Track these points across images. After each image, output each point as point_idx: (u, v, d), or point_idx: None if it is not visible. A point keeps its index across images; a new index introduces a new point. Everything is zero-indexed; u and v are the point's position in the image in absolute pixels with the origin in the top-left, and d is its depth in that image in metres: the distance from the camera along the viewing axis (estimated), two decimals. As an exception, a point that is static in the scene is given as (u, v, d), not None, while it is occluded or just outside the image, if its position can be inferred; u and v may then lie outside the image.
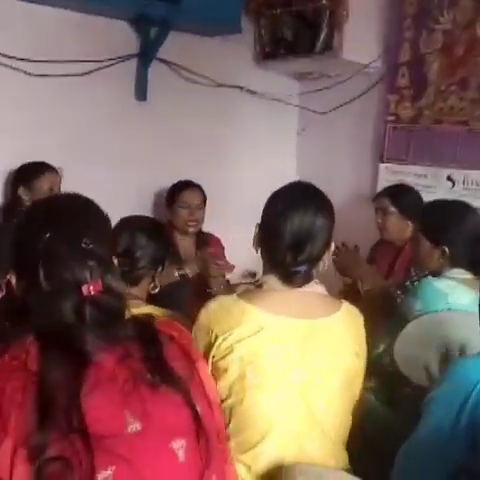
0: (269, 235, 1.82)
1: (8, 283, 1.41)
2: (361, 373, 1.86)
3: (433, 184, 3.74)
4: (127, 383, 1.30)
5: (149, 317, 1.45)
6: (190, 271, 3.18)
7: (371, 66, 3.98)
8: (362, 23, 3.84)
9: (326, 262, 1.85)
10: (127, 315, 1.39)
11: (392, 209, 3.31)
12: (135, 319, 1.40)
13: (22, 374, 1.25)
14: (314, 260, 1.81)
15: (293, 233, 1.77)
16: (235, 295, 1.82)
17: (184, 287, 3.08)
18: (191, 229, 3.56)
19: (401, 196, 3.34)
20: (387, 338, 2.30)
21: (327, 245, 1.83)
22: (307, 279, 1.81)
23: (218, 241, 3.72)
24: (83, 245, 1.33)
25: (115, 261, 1.42)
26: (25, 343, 1.29)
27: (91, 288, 1.30)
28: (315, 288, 1.83)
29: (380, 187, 3.96)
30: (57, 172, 3.22)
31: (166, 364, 1.36)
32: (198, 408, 1.37)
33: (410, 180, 3.83)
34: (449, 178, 3.73)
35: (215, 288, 3.24)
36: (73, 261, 1.32)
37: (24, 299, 1.35)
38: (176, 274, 3.02)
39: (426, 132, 3.83)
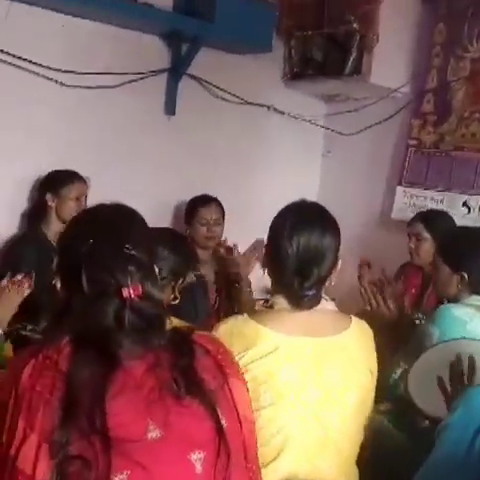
0: (275, 257, 1.80)
1: (53, 287, 1.43)
2: (373, 389, 1.86)
3: (449, 209, 3.73)
4: (153, 392, 1.31)
5: (189, 329, 1.47)
6: (206, 273, 3.21)
7: (398, 91, 4.02)
8: (391, 48, 3.88)
9: (333, 279, 1.84)
10: (168, 325, 1.40)
11: (426, 235, 3.30)
12: (175, 329, 1.42)
13: (52, 373, 1.28)
14: (322, 282, 1.80)
15: (299, 257, 1.75)
16: (246, 316, 1.81)
17: (200, 289, 3.11)
18: (210, 244, 3.58)
19: (435, 222, 3.32)
20: (404, 363, 2.28)
21: (334, 264, 1.82)
22: (315, 301, 1.80)
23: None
24: (125, 250, 1.36)
25: (156, 270, 1.44)
26: (60, 344, 1.32)
27: (131, 292, 1.32)
28: (325, 305, 1.84)
29: (396, 210, 4.00)
30: (85, 182, 3.26)
31: (194, 375, 1.37)
32: (224, 422, 1.37)
33: (426, 204, 3.86)
34: (465, 204, 3.74)
35: (245, 288, 3.25)
36: (115, 265, 1.34)
37: (68, 302, 1.38)
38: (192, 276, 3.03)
39: (446, 157, 3.86)
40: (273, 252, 1.82)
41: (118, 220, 1.45)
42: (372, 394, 1.86)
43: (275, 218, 1.85)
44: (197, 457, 1.33)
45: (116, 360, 1.30)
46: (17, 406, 1.27)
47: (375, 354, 1.87)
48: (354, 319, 1.86)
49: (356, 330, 1.84)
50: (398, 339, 2.00)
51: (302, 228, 1.77)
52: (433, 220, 3.35)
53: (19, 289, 2.56)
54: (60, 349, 1.31)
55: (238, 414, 1.42)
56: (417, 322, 2.76)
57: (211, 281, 3.53)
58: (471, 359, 1.86)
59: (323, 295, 1.84)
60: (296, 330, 1.77)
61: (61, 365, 1.29)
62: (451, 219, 3.41)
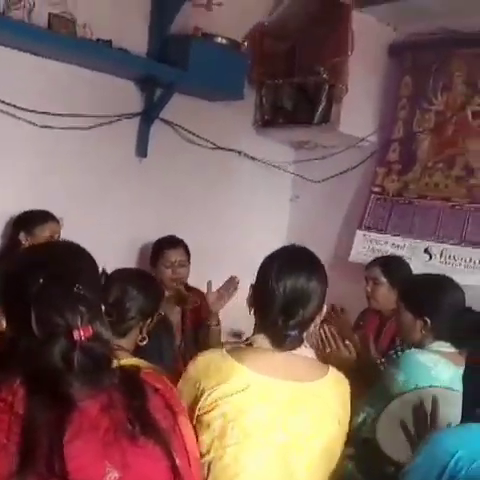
0: (262, 297, 1.84)
1: None
2: (342, 439, 1.87)
3: (409, 255, 3.82)
4: (108, 433, 1.30)
5: (135, 368, 1.47)
6: (172, 315, 3.21)
7: (365, 140, 4.12)
8: (359, 99, 4.00)
9: (318, 324, 1.89)
10: (114, 364, 1.39)
11: (383, 279, 3.36)
12: (122, 368, 1.41)
13: (8, 416, 1.25)
14: (306, 324, 1.83)
15: (286, 297, 1.79)
16: (224, 351, 1.82)
17: (165, 332, 3.11)
18: (174, 286, 3.58)
19: (392, 267, 3.39)
20: (368, 408, 2.30)
21: (319, 308, 1.85)
22: (297, 343, 1.83)
23: (201, 295, 3.65)
24: (75, 290, 1.35)
25: (103, 309, 1.43)
26: (13, 386, 1.29)
27: (82, 334, 1.31)
28: (304, 351, 1.85)
29: (354, 253, 4.05)
30: (58, 222, 3.28)
31: (149, 415, 1.37)
32: (177, 461, 1.38)
33: (387, 250, 3.94)
34: (426, 251, 3.82)
35: (214, 322, 3.25)
36: (65, 306, 1.32)
37: (14, 341, 1.34)
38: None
39: (409, 205, 3.96)
40: (261, 291, 1.85)
41: (67, 259, 1.44)
42: (341, 444, 1.86)
43: (265, 259, 1.89)
44: None
45: (70, 402, 1.29)
46: None
47: (349, 406, 1.88)
48: (332, 369, 1.87)
49: (332, 380, 1.85)
50: (360, 382, 2.01)
51: (290, 270, 1.81)
52: (390, 265, 3.41)
53: None
54: (14, 391, 1.28)
55: (187, 451, 1.44)
56: (381, 368, 2.80)
57: (177, 322, 3.53)
58: (434, 401, 1.89)
59: (304, 342, 1.87)
60: (271, 371, 1.78)
61: (17, 408, 1.26)
62: (408, 265, 3.47)
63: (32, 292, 1.32)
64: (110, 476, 1.28)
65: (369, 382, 2.44)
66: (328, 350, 2.68)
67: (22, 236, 3.22)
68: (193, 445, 1.51)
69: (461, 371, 1.78)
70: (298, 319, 1.79)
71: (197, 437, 1.70)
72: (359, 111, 4.02)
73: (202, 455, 1.72)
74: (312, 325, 1.87)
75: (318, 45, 4.03)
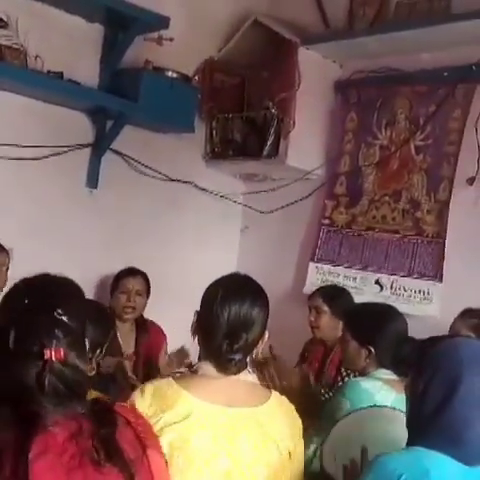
0: (206, 323, 1.86)
1: None
2: (289, 466, 1.86)
3: (361, 287, 3.91)
4: (73, 459, 1.31)
5: (110, 400, 1.50)
6: (124, 347, 3.21)
7: (313, 173, 4.20)
8: (307, 133, 4.08)
9: (260, 350, 1.91)
10: (88, 396, 1.42)
11: (325, 308, 3.41)
12: (96, 399, 1.45)
13: None
14: (249, 348, 1.87)
15: (230, 322, 1.82)
16: (171, 379, 1.85)
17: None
18: (127, 316, 3.59)
19: (334, 296, 3.46)
20: (316, 438, 2.31)
21: (261, 333, 1.89)
22: (241, 367, 1.85)
23: (159, 330, 3.74)
24: (55, 314, 1.39)
25: (87, 343, 1.46)
26: None
27: (53, 354, 1.34)
28: (247, 377, 1.88)
29: (308, 285, 4.10)
30: (7, 253, 3.26)
31: (115, 444, 1.38)
32: None
33: (339, 281, 3.99)
34: (377, 282, 3.90)
35: None
36: (43, 327, 1.37)
37: None
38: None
39: (358, 237, 4.04)
40: (205, 317, 1.87)
41: (55, 286, 1.50)
42: (286, 473, 1.85)
43: (209, 287, 1.92)
44: None
45: (38, 421, 1.30)
46: None
47: (296, 430, 1.90)
48: (274, 394, 1.91)
49: (275, 405, 1.87)
50: (305, 416, 2.05)
51: (234, 298, 1.84)
52: (331, 294, 3.49)
53: None
54: None
55: None
56: (323, 397, 2.85)
57: (129, 352, 3.53)
58: (364, 450, 1.92)
59: (248, 369, 1.89)
60: (214, 397, 1.80)
61: None
62: (349, 294, 3.55)
63: (16, 312, 1.39)
64: None
65: (313, 414, 2.47)
66: (271, 382, 2.72)
67: None
68: (162, 478, 1.51)
69: (402, 396, 1.84)
70: (242, 343, 1.83)
71: None
72: (306, 145, 4.10)
73: None
74: (255, 350, 1.90)
75: (267, 80, 4.12)
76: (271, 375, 2.84)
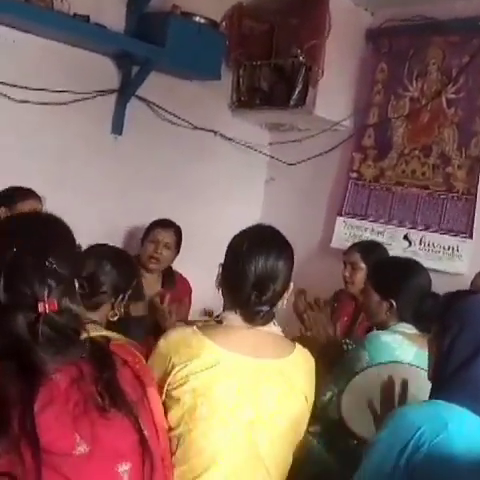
0: (233, 274, 1.86)
1: None
2: (307, 416, 1.91)
3: (389, 242, 3.86)
4: (78, 405, 1.32)
5: (104, 339, 1.48)
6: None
7: (340, 124, 4.14)
8: (335, 82, 4.01)
9: (285, 302, 1.91)
10: (83, 336, 1.41)
11: (362, 265, 3.35)
12: (91, 340, 1.43)
13: None
14: (276, 299, 1.87)
15: (258, 274, 1.82)
16: (195, 328, 1.85)
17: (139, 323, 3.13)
18: (152, 265, 3.55)
19: (371, 253, 3.37)
20: (333, 386, 2.34)
21: (287, 285, 1.89)
22: (269, 318, 1.86)
23: (185, 283, 3.72)
24: (47, 263, 1.36)
25: (76, 284, 1.44)
26: None
27: (46, 306, 1.32)
28: (273, 329, 1.89)
29: (336, 239, 4.08)
30: (40, 200, 3.25)
31: (118, 388, 1.39)
32: (145, 433, 1.40)
33: (366, 236, 3.96)
34: (406, 237, 3.87)
35: None
36: (34, 278, 1.34)
37: None
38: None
39: (386, 192, 3.99)
40: (231, 270, 1.87)
41: (45, 232, 1.45)
42: (305, 421, 1.91)
43: (234, 238, 1.91)
44: (124, 469, 1.36)
45: (39, 373, 1.30)
46: None
47: (314, 383, 1.92)
48: (298, 347, 1.91)
49: (298, 357, 1.89)
50: (326, 363, 2.06)
51: (260, 249, 1.84)
52: (370, 251, 3.41)
53: None
54: None
55: (155, 423, 1.47)
56: (345, 348, 2.85)
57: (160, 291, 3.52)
58: (404, 383, 1.94)
59: (273, 321, 1.90)
60: (239, 348, 1.81)
61: None
62: (386, 251, 3.49)
63: (5, 260, 1.34)
64: (80, 449, 1.30)
65: (335, 362, 2.49)
66: (308, 333, 2.72)
67: (2, 211, 3.18)
68: (161, 417, 1.54)
69: (424, 352, 1.83)
70: (270, 294, 1.83)
71: (166, 411, 1.73)
72: (335, 95, 4.03)
73: (171, 429, 1.75)
74: (280, 302, 1.90)
75: (296, 27, 4.02)
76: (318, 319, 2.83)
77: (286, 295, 1.91)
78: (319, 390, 1.99)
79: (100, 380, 1.37)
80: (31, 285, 1.33)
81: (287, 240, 1.94)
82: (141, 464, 1.39)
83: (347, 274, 3.42)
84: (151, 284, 3.53)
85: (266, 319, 1.85)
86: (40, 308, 1.32)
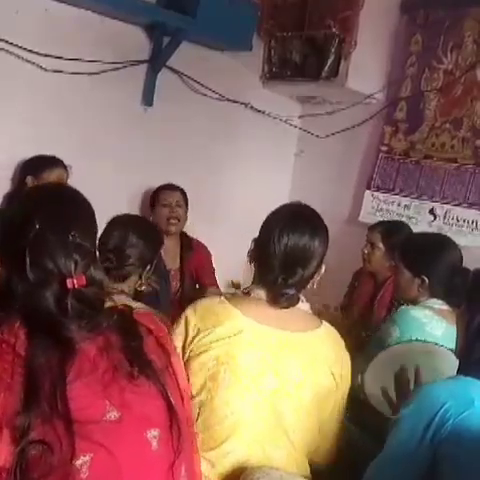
0: (263, 252, 1.86)
1: None
2: (335, 393, 1.88)
3: (415, 216, 3.85)
4: (107, 373, 1.35)
5: (127, 308, 1.49)
6: (169, 261, 3.24)
7: (372, 97, 4.09)
8: (368, 55, 3.95)
9: (316, 282, 1.90)
10: (107, 304, 1.43)
11: (380, 245, 3.35)
12: (115, 309, 1.45)
13: (11, 357, 1.29)
14: (304, 283, 1.86)
15: (286, 255, 1.81)
16: (222, 297, 1.88)
17: (162, 278, 3.15)
18: (172, 227, 3.59)
19: (392, 234, 3.33)
20: (364, 366, 2.33)
21: (318, 267, 1.88)
22: (293, 302, 1.85)
23: (203, 246, 3.75)
24: (70, 238, 1.37)
25: (97, 253, 1.46)
26: (14, 327, 1.32)
27: (75, 282, 1.34)
28: (300, 305, 1.89)
29: (364, 213, 4.07)
30: (66, 169, 3.28)
31: (145, 356, 1.41)
32: (172, 400, 1.43)
33: (394, 210, 3.95)
34: (431, 211, 3.84)
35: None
36: (59, 253, 1.35)
37: (8, 283, 1.37)
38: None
39: (415, 165, 3.95)
40: (262, 247, 1.87)
41: (65, 205, 1.46)
42: (333, 398, 1.89)
43: (269, 215, 1.91)
44: (153, 435, 1.38)
45: (69, 344, 1.32)
46: None
47: (344, 360, 1.91)
48: (325, 323, 1.91)
49: (324, 333, 1.89)
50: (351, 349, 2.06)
51: (293, 229, 1.83)
52: (391, 232, 3.36)
53: None
54: (16, 333, 1.31)
55: (180, 389, 1.49)
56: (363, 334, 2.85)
57: (175, 268, 3.57)
58: (417, 370, 1.93)
59: (301, 297, 1.90)
60: (265, 319, 1.82)
61: (19, 349, 1.30)
62: (410, 232, 3.41)
63: (28, 237, 1.35)
64: (110, 415, 1.33)
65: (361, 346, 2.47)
66: None
67: (29, 180, 3.22)
68: (185, 384, 1.57)
69: (453, 328, 1.82)
70: (297, 278, 1.83)
71: (188, 378, 1.76)
72: (367, 67, 3.98)
73: (193, 396, 1.77)
74: (310, 283, 1.89)
75: (330, -2, 3.97)
76: None
77: (316, 277, 1.90)
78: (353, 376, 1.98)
79: (127, 348, 1.39)
80: (57, 261, 1.35)
81: (322, 220, 1.92)
82: (169, 430, 1.41)
83: (366, 251, 3.41)
84: (170, 250, 3.56)
85: (290, 302, 1.85)
86: (68, 284, 1.34)
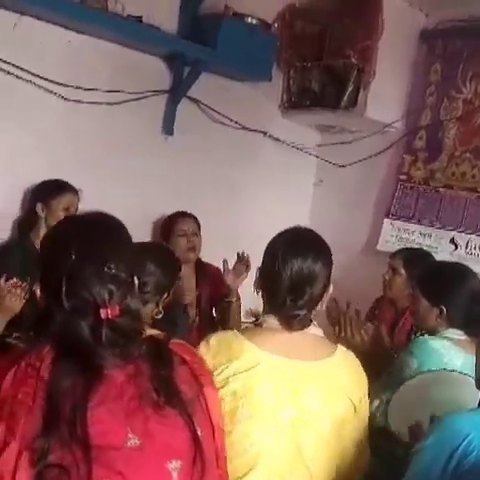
0: (269, 278, 1.86)
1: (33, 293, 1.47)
2: (352, 420, 1.87)
3: (435, 245, 3.83)
4: (132, 401, 1.34)
5: (165, 338, 1.50)
6: (187, 289, 3.24)
7: (391, 126, 4.10)
8: (388, 84, 3.98)
9: (324, 304, 1.90)
10: (143, 334, 1.44)
11: (402, 271, 3.31)
12: (151, 338, 1.45)
13: (34, 381, 1.30)
14: (314, 303, 1.86)
15: (293, 278, 1.82)
16: (235, 331, 1.87)
17: (179, 306, 3.15)
18: (192, 256, 3.59)
19: (415, 261, 3.29)
20: (382, 394, 2.31)
21: (325, 287, 1.88)
22: (306, 323, 1.86)
23: (218, 272, 3.69)
24: (106, 269, 1.39)
25: (135, 282, 1.46)
26: (42, 352, 1.34)
27: (109, 312, 1.36)
28: (313, 330, 1.88)
29: (382, 241, 4.05)
30: (77, 193, 3.22)
31: (174, 385, 1.40)
32: (199, 432, 1.41)
33: (413, 239, 3.93)
34: (452, 241, 3.81)
35: (234, 298, 3.30)
36: (95, 283, 1.37)
37: (46, 311, 1.40)
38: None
39: (435, 194, 3.94)
40: (268, 273, 1.87)
41: (101, 235, 1.47)
42: (352, 425, 1.87)
43: (271, 241, 1.91)
44: (174, 466, 1.36)
45: (98, 370, 1.33)
46: None
47: (361, 385, 1.90)
48: (340, 348, 1.90)
49: (340, 359, 1.87)
50: (374, 369, 2.03)
51: (296, 252, 1.83)
52: (413, 259, 3.34)
53: (20, 293, 2.57)
54: (42, 357, 1.33)
55: (212, 422, 1.47)
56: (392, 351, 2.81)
57: (192, 297, 3.56)
58: (433, 417, 1.89)
59: (313, 322, 1.89)
60: (280, 350, 1.81)
61: (43, 373, 1.30)
62: (432, 260, 3.39)
63: (65, 267, 1.37)
64: (131, 442, 1.32)
65: (380, 367, 2.45)
66: (342, 335, 2.70)
67: (39, 207, 3.18)
68: (218, 416, 1.54)
69: (472, 358, 1.80)
70: (306, 298, 1.83)
71: None
72: (387, 96, 4.00)
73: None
74: (319, 304, 1.89)
75: (348, 28, 3.99)
76: (343, 329, 2.80)
77: (325, 297, 1.90)
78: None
79: (156, 377, 1.39)
80: (92, 291, 1.37)
81: (325, 242, 1.93)
82: (192, 462, 1.39)
83: (387, 277, 3.38)
84: (186, 277, 3.52)
85: (303, 323, 1.84)
86: (102, 314, 1.35)
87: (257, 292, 1.93)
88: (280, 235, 1.92)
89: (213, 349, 1.82)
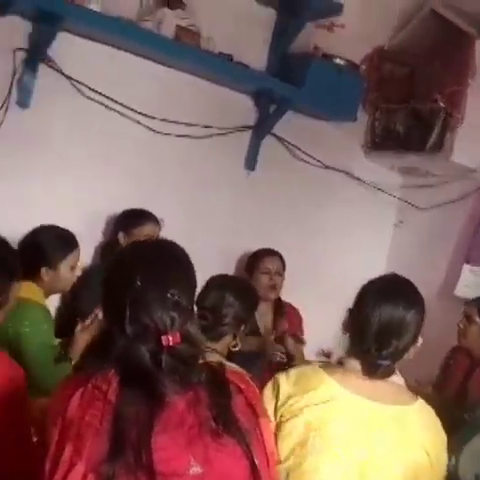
0: (357, 323, 1.86)
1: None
2: (429, 472, 1.82)
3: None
4: (193, 428, 1.35)
5: (220, 365, 1.51)
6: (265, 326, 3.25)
7: (477, 171, 4.02)
8: (475, 129, 3.90)
9: (411, 355, 1.87)
10: (201, 360, 1.45)
11: (477, 319, 3.22)
12: (207, 365, 1.47)
13: (101, 404, 1.32)
14: (399, 355, 1.83)
15: (381, 326, 1.80)
16: (316, 366, 1.88)
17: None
18: (272, 295, 3.62)
19: None
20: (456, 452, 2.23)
21: (414, 339, 1.85)
22: (388, 373, 1.83)
23: (296, 311, 3.76)
24: (169, 295, 1.41)
25: (195, 309, 1.49)
26: (107, 375, 1.36)
27: (170, 339, 1.37)
28: (393, 378, 1.86)
29: (460, 287, 3.96)
30: (158, 223, 3.28)
31: (232, 414, 1.41)
32: (256, 461, 1.41)
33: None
34: None
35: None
36: (158, 310, 1.39)
37: (109, 334, 1.43)
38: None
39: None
40: (356, 317, 1.87)
41: (165, 262, 1.49)
42: (428, 476, 1.82)
43: (364, 285, 1.91)
44: None
45: (160, 397, 1.34)
46: (63, 435, 1.31)
47: (440, 441, 1.85)
48: (420, 400, 1.86)
49: (419, 409, 1.84)
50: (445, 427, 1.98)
51: (388, 299, 1.82)
52: None
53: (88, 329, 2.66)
54: (109, 380, 1.35)
55: (266, 452, 1.48)
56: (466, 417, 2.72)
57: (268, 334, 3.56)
58: None
59: (396, 371, 1.88)
60: (358, 389, 1.80)
61: (110, 396, 1.33)
62: None
63: (129, 293, 1.40)
64: (193, 470, 1.33)
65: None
66: None
67: (120, 236, 3.24)
68: (272, 446, 1.56)
69: None
70: (391, 350, 1.80)
71: (276, 443, 1.73)
72: (474, 141, 3.92)
73: (281, 461, 1.74)
74: (405, 355, 1.86)
75: (437, 71, 3.96)
76: None
77: (413, 350, 1.86)
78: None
79: (215, 406, 1.40)
80: (154, 318, 1.39)
81: (418, 291, 1.90)
82: None
83: (461, 326, 3.29)
84: (263, 314, 3.56)
85: (385, 374, 1.82)
86: (164, 341, 1.37)
87: (344, 334, 1.92)
88: (373, 280, 1.91)
89: (292, 378, 1.82)
